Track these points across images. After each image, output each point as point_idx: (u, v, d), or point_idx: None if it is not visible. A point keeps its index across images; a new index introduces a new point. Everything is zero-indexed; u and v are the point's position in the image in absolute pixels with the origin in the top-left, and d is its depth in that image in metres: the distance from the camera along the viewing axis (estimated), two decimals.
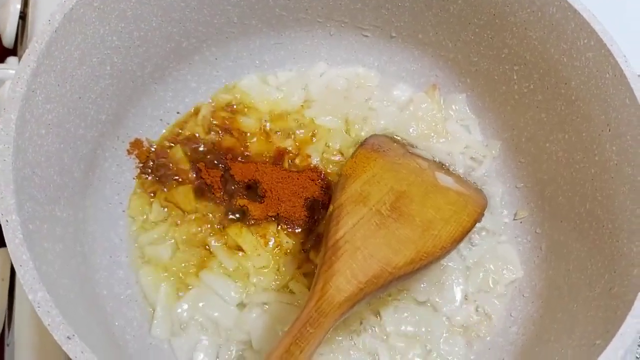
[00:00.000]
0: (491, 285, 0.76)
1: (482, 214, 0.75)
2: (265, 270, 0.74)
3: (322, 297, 0.58)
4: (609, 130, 0.67)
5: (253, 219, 0.76)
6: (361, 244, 0.64)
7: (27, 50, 0.59)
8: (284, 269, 0.74)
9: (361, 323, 0.72)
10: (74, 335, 0.49)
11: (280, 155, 0.81)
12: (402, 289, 0.74)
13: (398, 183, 0.73)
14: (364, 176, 0.72)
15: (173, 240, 0.75)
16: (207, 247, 0.75)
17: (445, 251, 0.68)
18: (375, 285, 0.61)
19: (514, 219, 0.81)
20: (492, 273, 0.77)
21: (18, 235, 0.52)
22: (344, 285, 0.59)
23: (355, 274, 0.61)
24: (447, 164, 0.82)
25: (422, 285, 0.75)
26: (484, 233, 0.79)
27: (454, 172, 0.82)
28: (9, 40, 0.94)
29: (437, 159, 0.83)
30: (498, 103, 0.83)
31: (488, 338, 0.74)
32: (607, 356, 0.52)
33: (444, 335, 0.73)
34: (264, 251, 0.75)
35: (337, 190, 0.70)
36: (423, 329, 0.73)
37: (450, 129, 0.86)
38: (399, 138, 0.84)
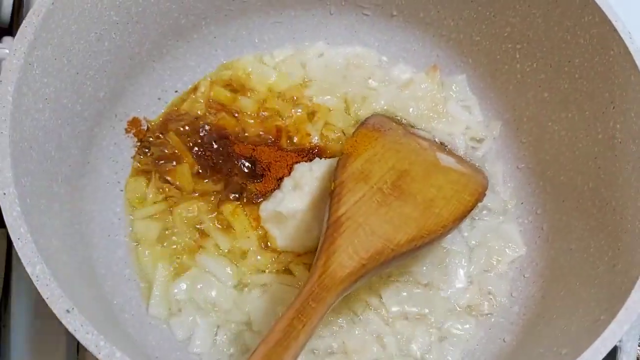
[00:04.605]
0: (494, 264, 0.76)
1: (483, 194, 0.74)
2: (262, 251, 0.73)
3: (325, 272, 0.57)
4: (613, 107, 0.67)
5: (252, 198, 0.75)
6: (363, 221, 0.63)
7: (24, 22, 0.58)
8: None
9: (363, 305, 0.71)
10: (73, 308, 0.48)
11: (278, 134, 0.80)
12: (404, 272, 0.74)
13: (399, 162, 0.72)
14: (365, 154, 0.72)
15: (170, 220, 0.74)
16: (203, 227, 0.74)
17: (446, 229, 0.67)
18: (376, 262, 0.61)
19: (515, 201, 0.80)
20: (494, 251, 0.76)
21: (16, 208, 0.51)
22: (346, 261, 0.59)
23: (357, 250, 0.60)
24: (447, 145, 0.82)
25: (424, 268, 0.74)
26: (485, 212, 0.78)
27: (454, 152, 0.81)
28: (4, 20, 0.93)
29: (437, 140, 0.82)
30: (499, 83, 0.83)
31: (491, 319, 0.73)
32: (612, 330, 0.52)
33: (447, 316, 0.72)
34: (253, 233, 0.74)
35: (338, 168, 0.70)
36: (426, 310, 0.72)
37: (451, 109, 0.85)
38: (399, 118, 0.83)
